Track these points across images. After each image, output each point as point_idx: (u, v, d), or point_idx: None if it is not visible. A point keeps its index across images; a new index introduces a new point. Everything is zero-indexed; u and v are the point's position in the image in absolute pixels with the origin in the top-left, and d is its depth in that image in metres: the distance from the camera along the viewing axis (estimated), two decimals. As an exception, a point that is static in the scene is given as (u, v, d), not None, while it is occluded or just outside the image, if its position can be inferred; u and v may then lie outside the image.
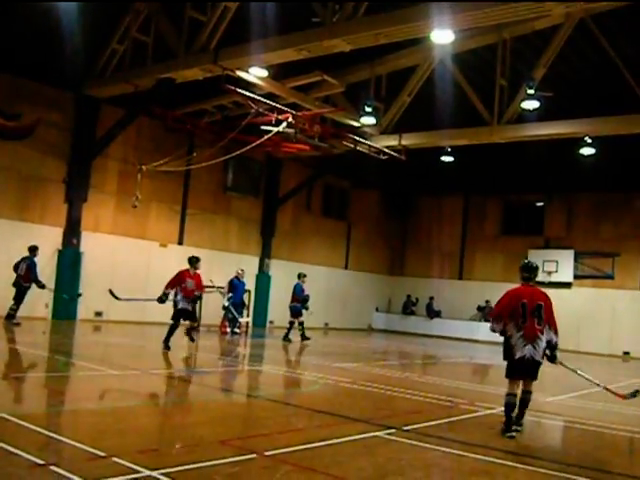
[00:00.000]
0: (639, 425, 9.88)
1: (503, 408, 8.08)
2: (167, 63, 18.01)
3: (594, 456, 7.57)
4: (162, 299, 14.37)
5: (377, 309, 32.59)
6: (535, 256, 28.66)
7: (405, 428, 7.74)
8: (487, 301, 30.02)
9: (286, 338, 20.20)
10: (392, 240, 33.40)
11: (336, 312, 29.23)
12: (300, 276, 21.22)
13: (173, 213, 23.49)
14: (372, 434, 7.30)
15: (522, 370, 7.94)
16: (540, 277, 28.42)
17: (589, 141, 20.64)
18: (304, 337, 20.32)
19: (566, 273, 27.96)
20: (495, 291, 29.82)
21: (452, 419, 8.89)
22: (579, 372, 8.56)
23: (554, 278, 28.06)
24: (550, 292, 26.67)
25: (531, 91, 18.06)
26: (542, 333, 7.88)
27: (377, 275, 32.53)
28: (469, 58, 20.07)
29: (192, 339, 15.05)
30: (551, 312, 8.08)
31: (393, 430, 7.56)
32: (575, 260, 27.89)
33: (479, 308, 30.26)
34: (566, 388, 13.60)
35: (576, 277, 27.88)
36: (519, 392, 8.01)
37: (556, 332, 8.01)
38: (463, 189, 31.07)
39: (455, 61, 19.89)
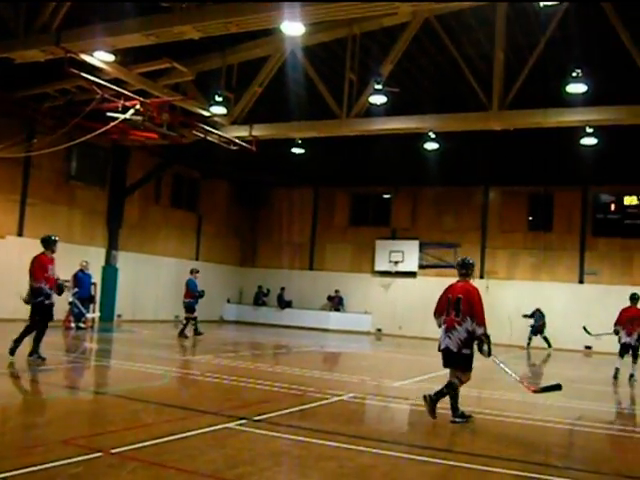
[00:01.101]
0: (480, 405, 10.43)
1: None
2: (5, 42, 16.90)
3: (441, 435, 7.92)
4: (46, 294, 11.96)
5: (228, 300, 32.46)
6: (382, 246, 29.74)
7: (256, 418, 7.74)
8: (337, 291, 30.73)
9: (182, 334, 19.87)
10: (243, 231, 33.35)
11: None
12: (192, 271, 21.07)
13: (12, 203, 22.15)
14: (222, 426, 7.24)
15: (444, 360, 8.56)
16: (387, 267, 29.53)
17: (433, 136, 21.56)
18: (197, 332, 20.29)
19: (412, 263, 29.08)
20: (345, 281, 30.83)
21: (302, 407, 8.99)
22: (506, 369, 8.81)
23: (400, 268, 29.15)
24: (397, 282, 27.56)
25: (379, 86, 18.56)
26: (459, 325, 8.33)
27: (228, 266, 32.38)
28: (320, 51, 20.31)
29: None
30: (473, 305, 8.37)
31: (244, 421, 7.54)
32: (420, 250, 29.07)
33: (329, 298, 30.89)
34: (414, 372, 14.11)
35: (421, 267, 29.06)
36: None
37: (479, 324, 8.29)
38: (313, 181, 31.53)
39: (306, 54, 20.04)
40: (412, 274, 29.29)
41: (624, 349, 15.62)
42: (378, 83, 18.53)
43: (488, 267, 28.31)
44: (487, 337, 8.32)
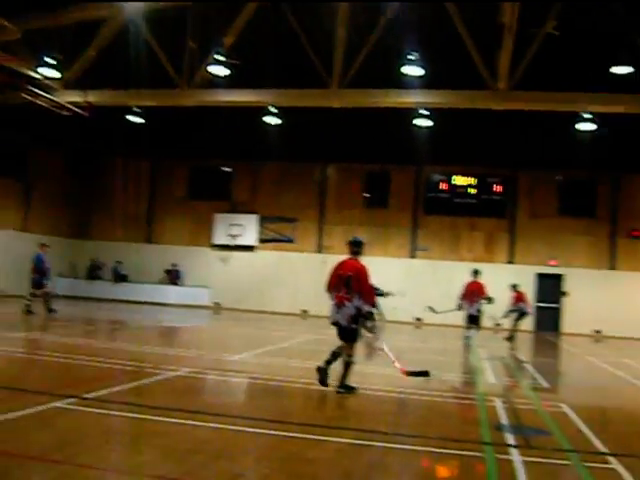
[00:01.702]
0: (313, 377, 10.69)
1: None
2: None
3: (277, 407, 8.01)
4: None
5: (60, 274, 31.00)
6: (221, 220, 29.56)
7: (87, 396, 7.45)
8: (174, 264, 30.20)
9: (29, 312, 18.40)
10: (77, 202, 31.82)
11: (11, 278, 27.05)
12: (41, 245, 19.77)
13: None
14: (50, 405, 6.92)
15: (337, 333, 8.92)
16: (225, 241, 29.41)
17: (274, 111, 21.62)
18: (50, 310, 18.89)
19: (251, 237, 29.16)
20: (183, 254, 30.37)
21: (137, 384, 8.77)
22: (384, 348, 9.35)
23: (239, 241, 29.13)
24: (235, 255, 27.40)
25: (220, 57, 18.32)
26: (349, 301, 8.69)
27: (60, 238, 30.77)
28: (161, 18, 19.69)
29: None
30: (362, 283, 8.72)
31: (73, 399, 7.24)
32: (259, 225, 29.19)
33: (167, 271, 30.33)
34: (253, 346, 14.18)
35: (260, 241, 29.22)
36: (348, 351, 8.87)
37: (366, 302, 8.71)
38: (152, 151, 30.61)
39: (147, 20, 19.39)
40: (251, 248, 29.39)
41: (470, 320, 16.98)
42: (219, 54, 18.29)
43: (325, 242, 28.96)
44: (372, 315, 8.86)
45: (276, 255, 29.14)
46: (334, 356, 8.97)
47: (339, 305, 8.81)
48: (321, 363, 8.99)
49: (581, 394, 11.40)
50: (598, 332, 26.40)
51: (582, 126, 20.75)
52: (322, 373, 8.93)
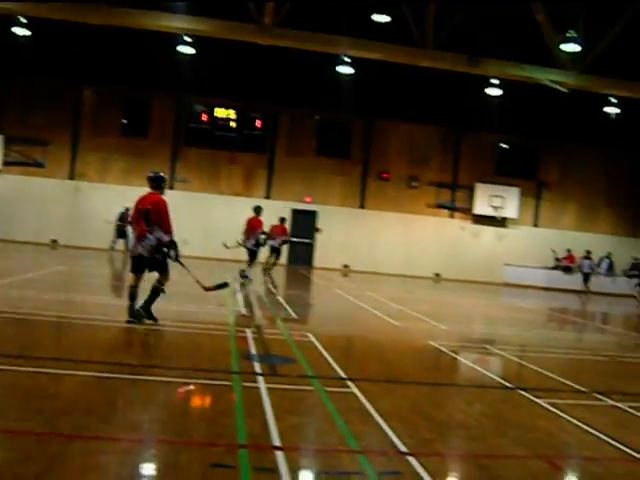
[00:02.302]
0: (59, 310, 10.19)
1: None
2: None
3: (20, 341, 7.51)
4: None
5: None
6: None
7: None
8: None
9: None
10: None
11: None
12: None
13: None
14: None
15: (135, 265, 9.27)
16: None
17: (24, 21, 19.73)
18: None
19: (-7, 159, 26.76)
20: None
21: None
22: (190, 272, 9.55)
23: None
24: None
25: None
26: (150, 233, 8.98)
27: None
28: None
29: None
30: (161, 216, 9.03)
31: None
32: (4, 146, 26.81)
33: None
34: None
35: (5, 163, 26.90)
36: (139, 284, 9.24)
37: (166, 232, 9.03)
38: None
39: None
40: (-5, 171, 27.03)
41: (251, 255, 17.71)
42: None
43: (79, 169, 27.38)
44: (174, 244, 9.11)
45: (23, 180, 27.00)
46: (154, 292, 9.25)
47: (140, 238, 9.06)
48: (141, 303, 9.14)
49: (327, 324, 12.07)
50: (346, 267, 28.09)
51: (342, 69, 21.51)
52: (146, 313, 9.16)
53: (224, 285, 10.31)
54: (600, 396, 7.14)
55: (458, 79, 22.32)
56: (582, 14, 19.09)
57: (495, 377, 8.03)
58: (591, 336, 14.46)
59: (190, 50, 21.10)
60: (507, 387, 7.42)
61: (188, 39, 20.47)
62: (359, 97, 25.49)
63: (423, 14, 19.91)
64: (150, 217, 9.00)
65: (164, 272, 9.28)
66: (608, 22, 19.77)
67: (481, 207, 28.77)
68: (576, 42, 18.68)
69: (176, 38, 20.58)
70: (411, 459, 4.59)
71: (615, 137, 27.22)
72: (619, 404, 6.83)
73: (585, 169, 29.86)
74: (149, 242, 8.99)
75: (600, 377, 8.72)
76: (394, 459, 4.65)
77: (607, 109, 23.76)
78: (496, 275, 28.52)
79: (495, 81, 22.90)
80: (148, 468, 4.26)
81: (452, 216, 29.45)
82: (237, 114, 28.25)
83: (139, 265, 9.24)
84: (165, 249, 9.13)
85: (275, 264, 20.42)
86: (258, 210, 17.92)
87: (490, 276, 28.42)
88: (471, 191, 29.11)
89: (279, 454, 4.47)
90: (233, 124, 28.21)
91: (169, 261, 9.24)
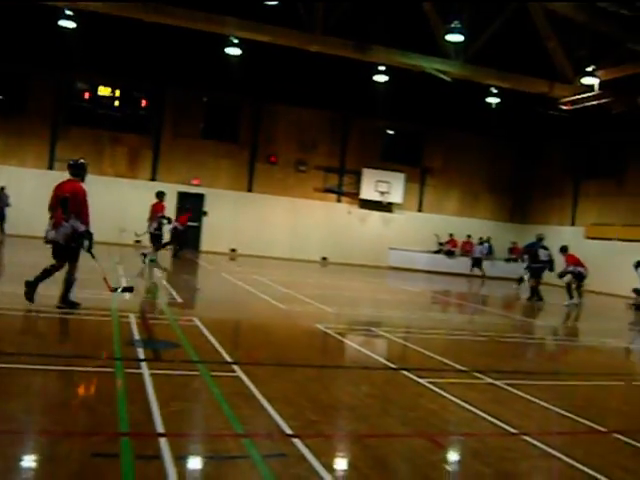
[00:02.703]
0: None
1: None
2: None
3: None
4: None
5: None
6: None
7: None
8: None
9: None
10: None
11: None
12: None
13: None
14: None
15: (54, 252, 9.11)
16: None
17: None
18: None
19: None
20: None
21: None
22: (99, 265, 9.55)
23: None
24: None
25: None
26: (66, 221, 8.90)
27: None
28: None
29: None
30: (80, 205, 9.01)
31: None
32: None
33: None
34: None
35: None
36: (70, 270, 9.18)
37: (82, 222, 8.98)
38: None
39: None
40: None
41: (151, 239, 18.66)
42: None
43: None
44: (89, 234, 9.06)
45: None
46: (45, 273, 9.10)
47: (56, 225, 8.99)
48: (31, 278, 9.00)
49: (213, 308, 11.94)
50: (234, 250, 27.91)
51: (230, 50, 21.22)
52: (30, 287, 8.96)
53: (129, 289, 10.42)
54: (479, 374, 7.42)
55: (347, 65, 22.51)
56: (466, 6, 19.71)
57: (380, 358, 8.19)
58: (471, 317, 15.01)
59: (71, 24, 20.19)
60: (391, 368, 7.58)
61: (69, 12, 19.59)
62: (248, 80, 25.31)
63: (313, -1, 19.93)
64: (67, 205, 8.97)
65: (74, 261, 9.22)
66: (490, 16, 20.49)
67: (367, 192, 29.26)
68: (460, 33, 19.18)
69: (57, 11, 19.66)
70: (296, 441, 4.61)
71: (497, 127, 28.37)
72: (497, 382, 7.12)
73: (468, 157, 30.96)
74: (64, 230, 8.96)
75: (479, 356, 9.05)
76: (279, 442, 4.64)
77: (489, 99, 24.67)
78: (382, 259, 29.12)
79: (382, 68, 23.27)
80: (25, 460, 4.06)
81: (339, 200, 29.80)
82: (121, 93, 27.39)
83: (57, 252, 9.13)
84: (80, 238, 9.08)
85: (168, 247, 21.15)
86: (161, 195, 18.76)
87: (376, 260, 29.00)
88: (358, 176, 29.55)
89: (162, 441, 4.37)
90: (117, 103, 27.34)
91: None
